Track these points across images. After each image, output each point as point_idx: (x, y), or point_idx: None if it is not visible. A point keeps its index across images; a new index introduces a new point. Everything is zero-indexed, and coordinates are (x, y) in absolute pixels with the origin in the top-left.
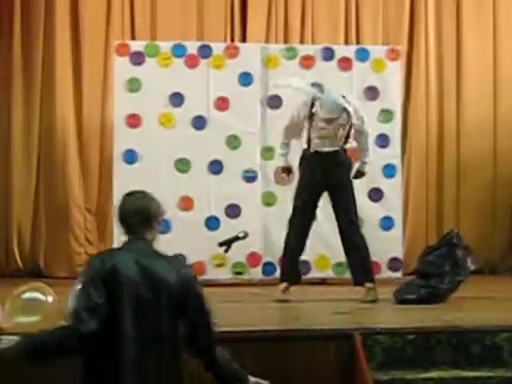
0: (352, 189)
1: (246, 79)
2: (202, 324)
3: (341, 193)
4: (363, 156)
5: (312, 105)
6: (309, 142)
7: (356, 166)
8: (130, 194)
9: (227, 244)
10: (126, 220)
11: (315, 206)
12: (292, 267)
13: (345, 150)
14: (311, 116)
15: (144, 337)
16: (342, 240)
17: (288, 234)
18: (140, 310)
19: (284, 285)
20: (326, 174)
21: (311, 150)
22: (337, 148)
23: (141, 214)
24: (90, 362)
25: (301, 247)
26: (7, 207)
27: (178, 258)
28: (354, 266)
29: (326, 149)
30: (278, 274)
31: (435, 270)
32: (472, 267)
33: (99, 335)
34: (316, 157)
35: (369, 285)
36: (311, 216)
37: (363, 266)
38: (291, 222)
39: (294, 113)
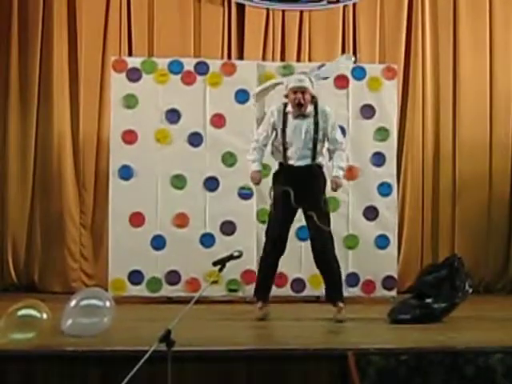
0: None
1: (242, 96)
2: None
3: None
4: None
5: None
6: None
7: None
8: None
9: (221, 263)
10: None
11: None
12: (268, 285)
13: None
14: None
15: None
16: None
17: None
18: None
19: (260, 303)
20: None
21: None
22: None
23: None
24: None
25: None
26: (2, 221)
27: None
28: (328, 285)
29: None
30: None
31: (432, 291)
32: (470, 291)
33: None
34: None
35: (341, 304)
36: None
37: (336, 286)
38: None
39: None
